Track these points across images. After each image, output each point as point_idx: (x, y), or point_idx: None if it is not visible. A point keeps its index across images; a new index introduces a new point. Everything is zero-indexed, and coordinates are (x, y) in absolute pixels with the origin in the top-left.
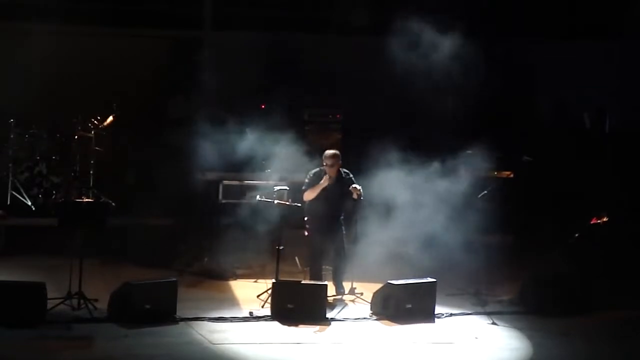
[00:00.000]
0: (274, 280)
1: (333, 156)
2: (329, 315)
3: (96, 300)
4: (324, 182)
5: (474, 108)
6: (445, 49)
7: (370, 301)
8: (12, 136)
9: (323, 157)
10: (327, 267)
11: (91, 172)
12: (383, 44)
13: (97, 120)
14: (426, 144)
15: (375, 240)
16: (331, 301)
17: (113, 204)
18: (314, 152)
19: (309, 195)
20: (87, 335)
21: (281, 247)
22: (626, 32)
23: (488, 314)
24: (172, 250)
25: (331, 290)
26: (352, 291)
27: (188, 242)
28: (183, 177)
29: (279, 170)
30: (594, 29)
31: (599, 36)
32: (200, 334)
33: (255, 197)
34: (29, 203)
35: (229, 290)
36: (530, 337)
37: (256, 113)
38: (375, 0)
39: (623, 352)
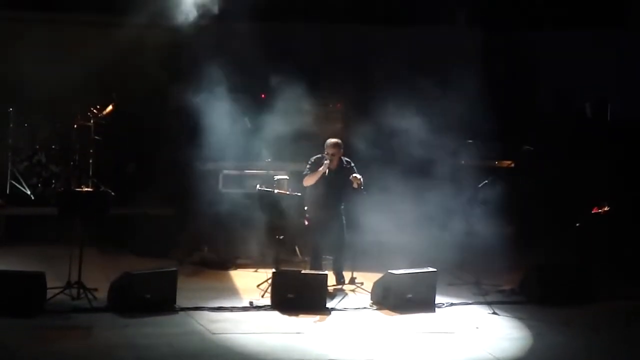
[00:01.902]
0: (274, 270)
1: (335, 145)
2: (329, 305)
3: (96, 289)
4: (323, 168)
5: (475, 98)
6: (446, 39)
7: (370, 291)
8: (11, 125)
9: (325, 145)
10: (327, 256)
11: (91, 161)
12: (383, 33)
13: (96, 109)
14: (426, 133)
15: (376, 229)
16: (331, 291)
17: (113, 193)
18: (314, 141)
19: (309, 181)
20: (86, 325)
21: (281, 237)
22: (628, 22)
23: (489, 303)
24: (172, 239)
25: (331, 279)
26: (352, 281)
27: (188, 232)
28: (183, 167)
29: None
30: (596, 18)
31: (601, 25)
32: (200, 324)
33: (255, 186)
34: (28, 192)
35: (229, 279)
36: (530, 327)
37: (256, 102)
38: None
39: (624, 342)
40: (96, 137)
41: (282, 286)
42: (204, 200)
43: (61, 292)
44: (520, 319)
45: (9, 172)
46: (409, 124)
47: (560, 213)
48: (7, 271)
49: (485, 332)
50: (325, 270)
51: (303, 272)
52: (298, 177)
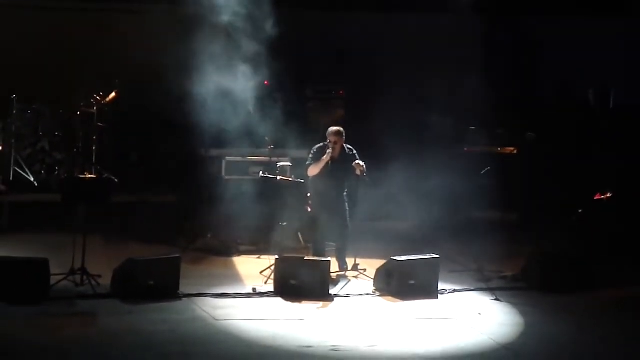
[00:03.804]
0: (277, 257)
1: (337, 133)
2: (332, 291)
3: (99, 276)
4: (326, 157)
5: (478, 85)
6: (448, 26)
7: (373, 277)
8: (14, 112)
9: (327, 134)
10: (330, 243)
11: (94, 148)
12: (388, 21)
13: (99, 96)
14: (430, 120)
15: (378, 216)
16: (334, 277)
17: (116, 180)
18: (317, 128)
19: (313, 171)
20: (90, 311)
21: (284, 223)
22: (631, 9)
23: (491, 290)
24: (175, 226)
25: (334, 266)
26: (355, 267)
27: (191, 219)
28: (186, 154)
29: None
30: (599, 5)
31: (604, 13)
32: (204, 310)
33: (258, 173)
34: (32, 179)
35: (232, 266)
36: (532, 314)
37: (259, 89)
38: None
39: (624, 329)
40: (99, 124)
41: (285, 273)
42: (207, 187)
43: (65, 278)
44: (522, 305)
45: (12, 159)
46: (412, 111)
47: (562, 199)
48: (10, 258)
49: (488, 318)
50: (328, 256)
51: (306, 258)
52: (301, 163)
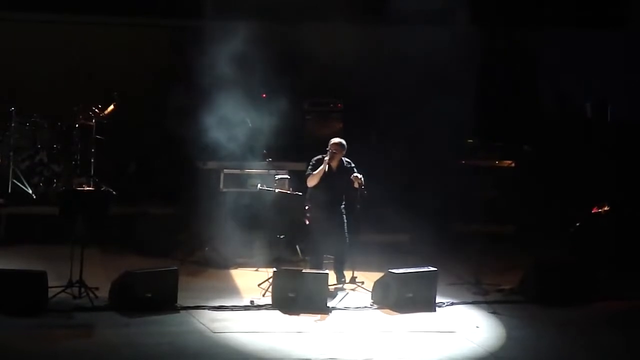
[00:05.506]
0: (274, 269)
1: (338, 143)
2: (330, 304)
3: (97, 288)
4: (323, 165)
5: (476, 97)
6: (446, 38)
7: (371, 290)
8: (12, 125)
9: (329, 143)
10: (328, 255)
11: (92, 160)
12: (383, 33)
13: (97, 108)
14: (427, 133)
15: (376, 229)
16: (332, 290)
17: (114, 192)
18: (315, 141)
19: (312, 181)
20: (88, 323)
21: (282, 236)
22: (630, 22)
23: (489, 303)
24: (173, 239)
25: (332, 279)
26: (353, 280)
27: (189, 231)
28: (184, 166)
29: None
30: (598, 18)
31: (602, 26)
32: (202, 323)
33: (256, 185)
34: (30, 191)
35: (230, 279)
36: (530, 327)
37: (257, 102)
38: None
39: (621, 342)
40: (97, 137)
41: (283, 285)
42: (205, 199)
43: (62, 291)
44: (519, 318)
45: (10, 171)
46: (410, 124)
47: (560, 212)
48: (8, 270)
49: (485, 332)
50: (326, 269)
51: (304, 271)
52: (299, 176)
